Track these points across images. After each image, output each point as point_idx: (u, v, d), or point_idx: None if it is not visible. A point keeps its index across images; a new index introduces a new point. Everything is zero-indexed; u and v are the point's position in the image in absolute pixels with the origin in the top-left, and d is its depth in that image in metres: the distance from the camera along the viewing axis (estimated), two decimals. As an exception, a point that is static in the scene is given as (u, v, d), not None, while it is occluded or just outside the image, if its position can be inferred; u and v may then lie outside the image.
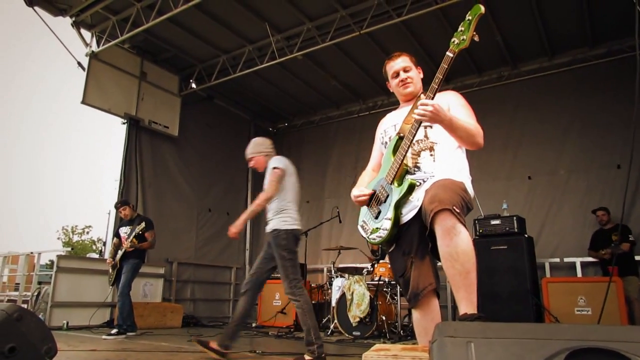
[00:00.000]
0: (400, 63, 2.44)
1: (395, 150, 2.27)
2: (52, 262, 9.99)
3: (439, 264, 2.10)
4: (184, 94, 8.39)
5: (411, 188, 2.14)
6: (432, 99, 2.02)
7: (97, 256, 8.73)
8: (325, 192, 9.02)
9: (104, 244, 7.44)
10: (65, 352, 3.47)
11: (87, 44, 7.17)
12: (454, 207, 1.90)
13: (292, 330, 6.08)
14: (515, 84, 7.33)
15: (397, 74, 2.45)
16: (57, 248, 28.96)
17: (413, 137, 2.17)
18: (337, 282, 5.88)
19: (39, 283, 7.19)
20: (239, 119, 9.73)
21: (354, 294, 5.31)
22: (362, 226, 2.37)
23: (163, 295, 7.16)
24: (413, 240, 2.17)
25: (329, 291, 6.49)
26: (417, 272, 2.13)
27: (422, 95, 2.13)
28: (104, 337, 4.95)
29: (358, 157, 8.70)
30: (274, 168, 3.66)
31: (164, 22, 6.38)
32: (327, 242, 8.17)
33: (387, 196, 2.22)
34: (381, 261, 5.69)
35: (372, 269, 5.71)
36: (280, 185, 3.63)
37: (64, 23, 6.93)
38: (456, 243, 1.86)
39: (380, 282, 5.43)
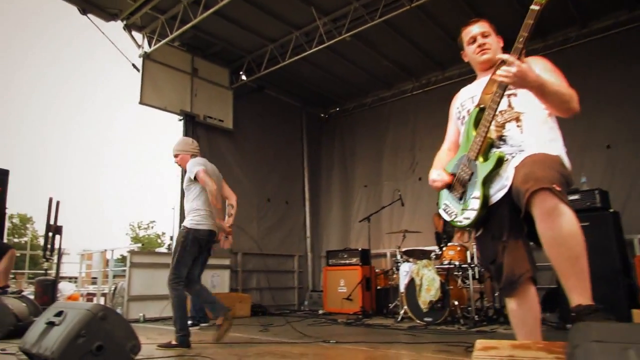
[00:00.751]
0: (477, 28, 2.24)
1: (476, 123, 2.09)
2: (122, 257, 10.43)
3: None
4: (235, 86, 8.43)
5: (500, 162, 1.95)
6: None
7: (165, 250, 9.08)
8: (383, 176, 8.81)
9: (171, 237, 7.68)
10: (146, 345, 3.55)
11: (139, 46, 7.33)
12: (554, 186, 1.69)
13: (360, 317, 6.00)
14: (585, 44, 6.69)
15: (473, 40, 2.25)
16: (126, 244, 30.66)
17: (497, 106, 1.98)
18: (405, 267, 5.72)
19: (114, 277, 7.55)
20: (290, 107, 9.68)
21: (423, 279, 5.13)
22: (444, 209, 2.20)
23: (230, 286, 7.30)
24: (503, 223, 1.97)
25: (394, 276, 6.35)
26: (511, 258, 1.94)
27: (505, 56, 1.91)
28: (179, 329, 5.08)
29: (414, 137, 8.42)
30: (199, 170, 3.84)
31: (210, 16, 6.36)
32: (388, 226, 7.99)
33: (472, 174, 2.03)
34: (449, 244, 5.45)
35: (440, 252, 5.49)
36: (191, 185, 3.92)
37: (115, 27, 7.13)
38: (560, 225, 1.66)
39: (450, 266, 5.22)
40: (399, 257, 6.03)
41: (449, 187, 2.18)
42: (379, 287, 6.79)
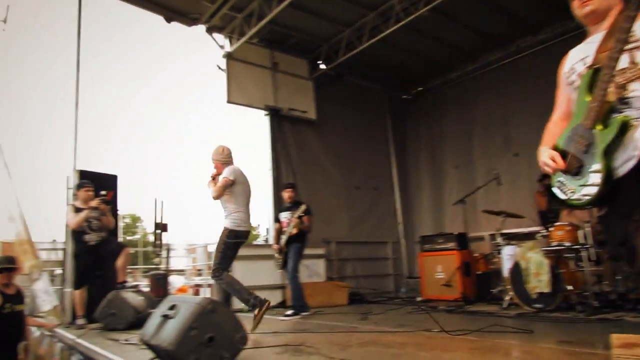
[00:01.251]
0: None
1: (590, 87, 1.83)
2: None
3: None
4: (315, 76, 8.48)
5: (624, 127, 1.68)
6: None
7: (262, 242, 9.43)
8: (474, 154, 8.37)
9: (267, 230, 7.98)
10: (253, 334, 3.68)
11: (221, 46, 7.62)
12: None
13: (461, 303, 5.76)
14: None
15: None
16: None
17: (616, 63, 1.70)
18: (507, 250, 5.36)
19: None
20: (371, 92, 9.52)
21: (530, 263, 4.76)
22: (559, 187, 1.96)
23: (327, 274, 7.40)
24: (633, 199, 1.70)
25: (496, 260, 5.98)
26: None
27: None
28: (281, 318, 5.24)
29: (507, 110, 7.88)
30: (224, 177, 4.33)
31: (285, 8, 6.39)
32: (485, 208, 7.55)
33: (589, 145, 1.78)
34: (557, 224, 4.99)
35: (547, 232, 5.05)
36: (225, 192, 4.32)
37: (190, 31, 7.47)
38: None
39: (560, 247, 4.78)
40: (499, 240, 5.67)
41: (564, 158, 1.93)
42: (479, 272, 6.46)
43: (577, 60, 2.02)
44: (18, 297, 4.12)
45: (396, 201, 9.37)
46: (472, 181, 7.90)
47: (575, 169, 1.86)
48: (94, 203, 4.98)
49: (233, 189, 4.35)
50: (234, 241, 4.34)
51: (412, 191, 9.45)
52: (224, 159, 4.54)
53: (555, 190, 1.99)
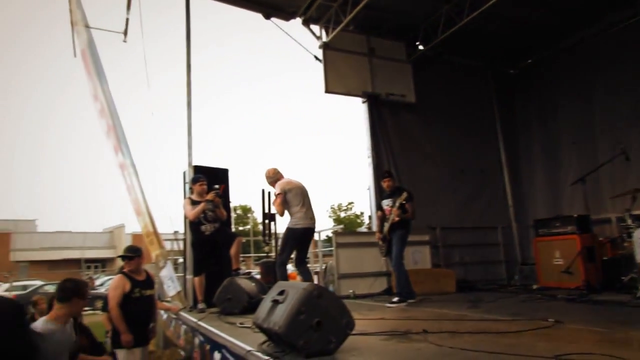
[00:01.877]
0: None
1: None
2: (328, 237, 11.29)
3: None
4: (413, 58, 8.26)
5: None
6: None
7: (366, 230, 9.49)
8: (596, 128, 7.54)
9: (370, 217, 7.99)
10: (359, 320, 3.71)
11: (318, 37, 7.74)
12: None
13: (584, 292, 5.25)
14: None
15: None
16: (329, 225, 33.25)
17: None
18: (639, 234, 4.75)
19: (323, 257, 8.20)
20: (474, 69, 9.05)
21: (669, 247, 4.18)
22: None
23: (432, 261, 7.20)
24: None
25: (624, 244, 5.34)
26: None
27: None
28: (387, 305, 5.23)
29: (635, 76, 6.96)
30: (276, 194, 4.99)
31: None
32: (609, 187, 6.79)
33: None
34: None
35: (691, 212, 4.38)
36: (283, 205, 4.95)
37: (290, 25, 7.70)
38: None
39: None
40: (629, 222, 5.04)
41: None
42: (605, 258, 5.83)
43: None
44: (147, 282, 4.39)
45: (505, 183, 8.82)
46: (594, 158, 7.14)
47: None
48: (209, 196, 5.21)
49: (287, 198, 4.96)
50: (293, 237, 4.97)
51: (523, 172, 8.81)
52: (273, 178, 5.16)
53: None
